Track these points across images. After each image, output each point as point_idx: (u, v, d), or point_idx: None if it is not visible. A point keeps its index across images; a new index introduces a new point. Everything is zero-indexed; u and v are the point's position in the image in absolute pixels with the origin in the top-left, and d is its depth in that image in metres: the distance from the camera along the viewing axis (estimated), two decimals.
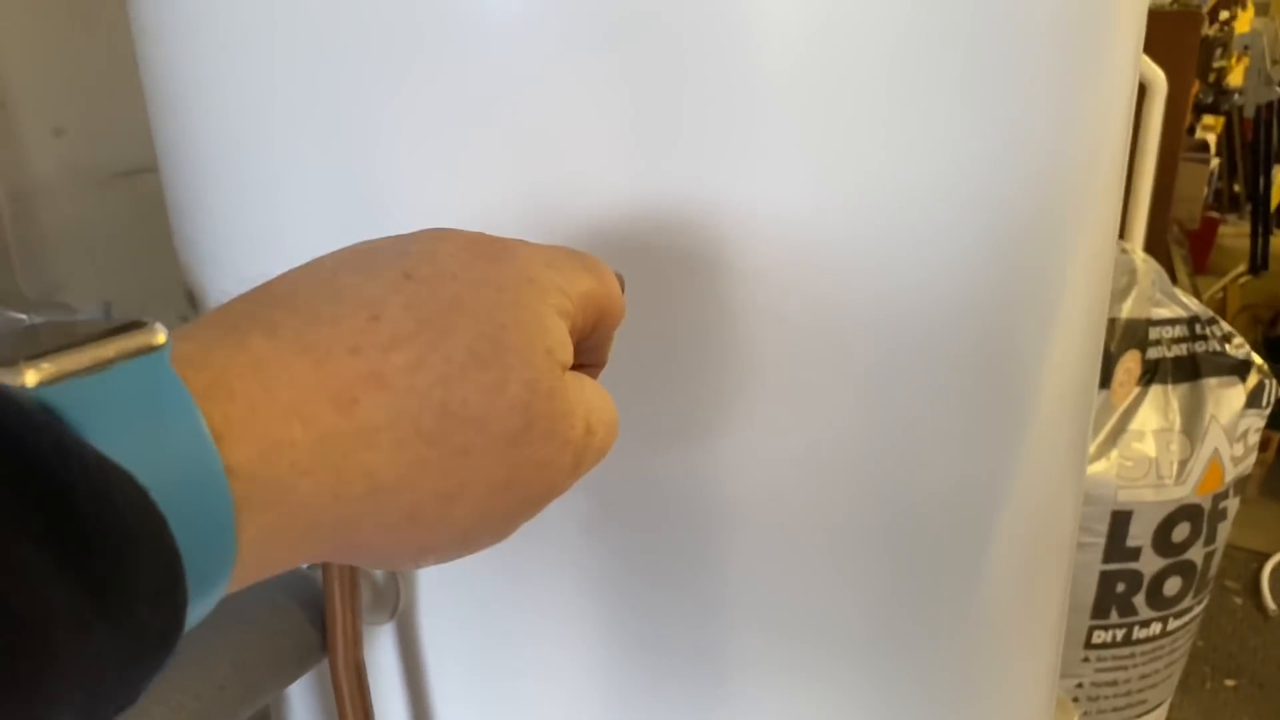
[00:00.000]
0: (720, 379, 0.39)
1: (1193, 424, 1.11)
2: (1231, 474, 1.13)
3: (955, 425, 0.43)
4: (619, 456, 0.38)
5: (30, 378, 0.15)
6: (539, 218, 0.37)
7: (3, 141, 0.69)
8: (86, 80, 0.73)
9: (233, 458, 0.17)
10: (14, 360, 0.15)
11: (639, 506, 0.41)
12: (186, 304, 0.53)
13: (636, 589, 0.43)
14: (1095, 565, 1.11)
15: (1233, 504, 1.16)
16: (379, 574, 0.44)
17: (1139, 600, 1.15)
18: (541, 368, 0.22)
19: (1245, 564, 1.76)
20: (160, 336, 0.17)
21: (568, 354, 0.23)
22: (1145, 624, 1.16)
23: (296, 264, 0.43)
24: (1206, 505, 1.13)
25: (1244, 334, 1.20)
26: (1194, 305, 1.14)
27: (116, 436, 0.15)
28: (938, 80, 0.37)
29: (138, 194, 0.77)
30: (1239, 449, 1.13)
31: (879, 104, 0.36)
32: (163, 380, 0.17)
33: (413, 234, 0.24)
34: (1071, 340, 0.47)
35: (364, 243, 0.24)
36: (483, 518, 0.22)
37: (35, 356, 0.15)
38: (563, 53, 0.35)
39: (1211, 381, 1.12)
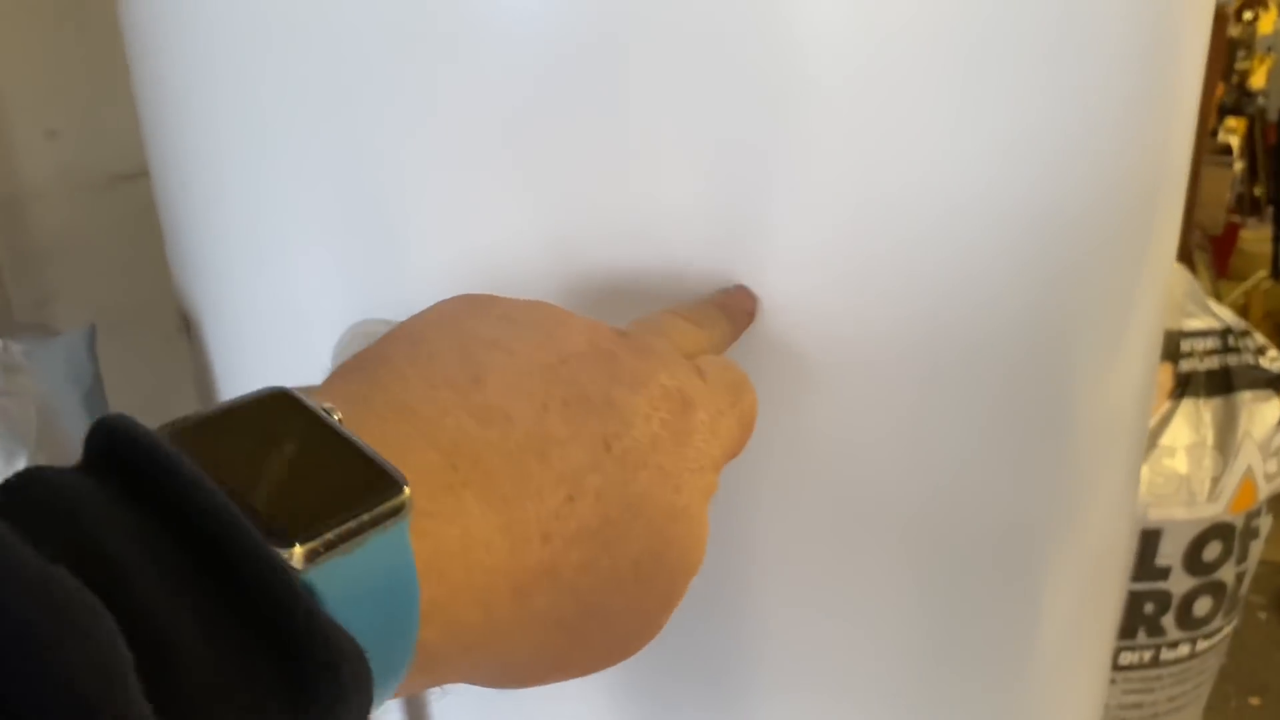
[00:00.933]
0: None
1: (1226, 439, 1.07)
2: (1265, 491, 1.09)
3: (1007, 459, 0.40)
4: None
5: (299, 556, 0.15)
6: (558, 246, 0.34)
7: None
8: (81, 79, 0.70)
9: (423, 635, 0.18)
10: (284, 534, 0.15)
11: None
12: (180, 325, 0.49)
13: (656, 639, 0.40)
14: (1123, 585, 1.08)
15: (1265, 522, 1.13)
16: None
17: (1168, 621, 1.11)
18: (682, 585, 0.23)
19: (1270, 578, 1.73)
20: (406, 494, 0.17)
21: (702, 555, 0.24)
22: (1174, 645, 1.13)
23: (295, 285, 0.40)
24: (1239, 524, 1.09)
25: (1268, 341, 1.17)
26: (1227, 316, 1.10)
27: (354, 611, 0.16)
28: (997, 82, 0.34)
29: (136, 198, 0.74)
30: (1273, 465, 1.09)
31: (933, 108, 0.33)
32: (400, 558, 0.17)
33: (616, 357, 0.23)
34: (1131, 362, 0.44)
35: (565, 340, 0.23)
36: (571, 677, 0.23)
37: (307, 533, 0.16)
38: (587, 69, 0.32)
39: (1245, 395, 1.08)
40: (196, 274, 0.46)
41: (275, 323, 0.42)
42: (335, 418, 0.18)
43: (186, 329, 0.48)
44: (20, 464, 0.39)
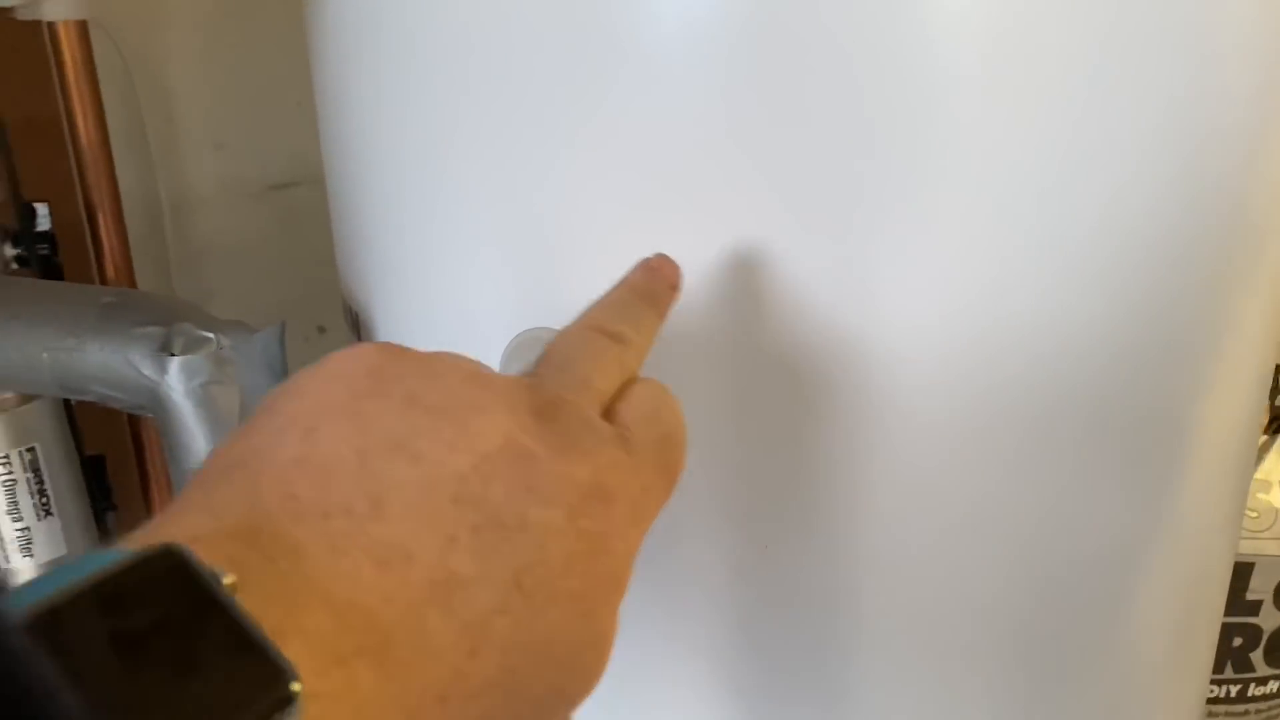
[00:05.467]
0: (862, 451, 0.38)
1: None
2: None
3: (1110, 494, 0.41)
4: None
5: None
6: (711, 261, 0.37)
7: (169, 154, 0.73)
8: (246, 98, 0.77)
9: None
10: None
11: (794, 553, 0.41)
12: (346, 320, 0.55)
13: (767, 650, 0.43)
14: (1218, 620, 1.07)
15: None
16: None
17: (1256, 656, 1.11)
18: (584, 699, 0.21)
19: None
20: (295, 692, 0.15)
21: (607, 663, 0.22)
22: (1262, 681, 1.12)
23: (465, 288, 0.44)
24: None
25: None
26: None
27: None
28: (1116, 104, 0.34)
29: (286, 206, 0.80)
30: None
31: (1048, 123, 0.34)
32: None
33: (534, 458, 0.20)
34: (1242, 391, 0.44)
35: (480, 435, 0.20)
36: None
37: None
38: (745, 92, 0.34)
39: None
40: (368, 276, 0.51)
41: (444, 324, 0.46)
42: (226, 582, 0.16)
43: (355, 329, 0.53)
44: None
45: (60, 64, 0.61)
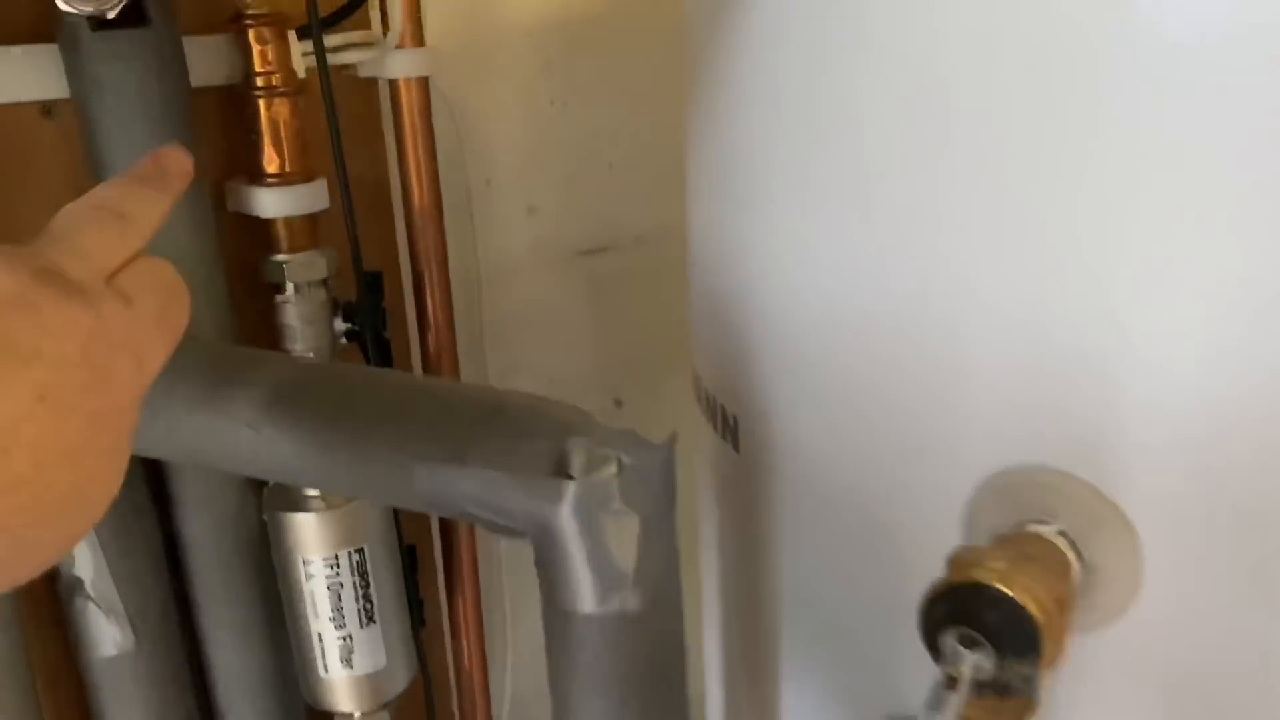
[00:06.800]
0: None
1: None
2: None
3: None
4: None
5: None
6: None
7: (486, 217, 0.68)
8: (559, 163, 0.72)
9: None
10: None
11: None
12: (704, 409, 0.47)
13: None
14: None
15: None
16: None
17: None
18: (100, 508, 0.25)
19: None
20: None
21: (120, 482, 0.26)
22: None
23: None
24: None
25: None
26: None
27: None
28: None
29: (593, 273, 0.75)
30: None
31: None
32: None
33: (39, 308, 0.24)
34: None
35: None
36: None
37: None
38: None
39: None
40: (762, 376, 0.44)
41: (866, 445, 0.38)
42: None
43: (721, 426, 0.45)
44: (616, 597, 0.37)
45: (399, 124, 0.57)
